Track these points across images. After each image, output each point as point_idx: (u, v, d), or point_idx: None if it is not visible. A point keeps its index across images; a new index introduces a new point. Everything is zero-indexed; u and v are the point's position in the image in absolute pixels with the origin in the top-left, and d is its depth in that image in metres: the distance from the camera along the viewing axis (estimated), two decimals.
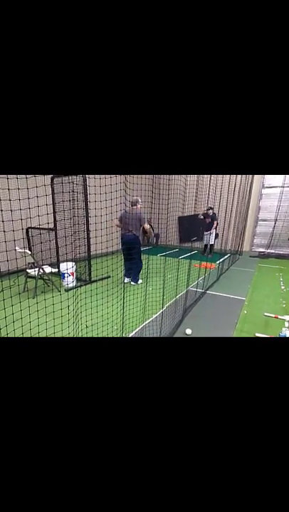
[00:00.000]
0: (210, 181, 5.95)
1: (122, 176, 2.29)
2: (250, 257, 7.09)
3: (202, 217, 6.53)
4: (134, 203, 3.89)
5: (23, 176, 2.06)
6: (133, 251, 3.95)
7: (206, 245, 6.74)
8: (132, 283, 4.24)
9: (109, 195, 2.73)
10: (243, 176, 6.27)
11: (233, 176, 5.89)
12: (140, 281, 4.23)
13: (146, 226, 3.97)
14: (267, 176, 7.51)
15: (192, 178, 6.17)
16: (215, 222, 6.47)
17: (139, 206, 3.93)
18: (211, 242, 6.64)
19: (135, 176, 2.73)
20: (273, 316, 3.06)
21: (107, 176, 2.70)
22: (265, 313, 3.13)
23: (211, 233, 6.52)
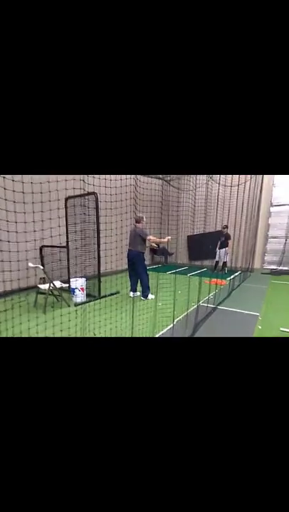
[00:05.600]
0: (218, 198, 6.05)
1: (132, 199, 2.40)
2: (262, 274, 6.91)
3: (224, 230, 6.51)
4: (137, 220, 4.02)
5: (39, 201, 2.22)
6: (135, 265, 4.05)
7: (216, 262, 6.68)
8: (142, 298, 4.21)
9: (119, 217, 2.84)
10: (251, 193, 6.35)
11: (241, 192, 5.99)
12: (151, 296, 4.18)
13: (151, 238, 4.02)
14: (274, 195, 7.57)
15: (201, 195, 6.31)
16: (229, 241, 6.46)
17: (141, 224, 4.05)
18: (224, 260, 6.59)
19: (144, 198, 2.84)
20: None
21: (118, 199, 2.82)
22: (282, 329, 2.98)
23: (227, 253, 6.48)
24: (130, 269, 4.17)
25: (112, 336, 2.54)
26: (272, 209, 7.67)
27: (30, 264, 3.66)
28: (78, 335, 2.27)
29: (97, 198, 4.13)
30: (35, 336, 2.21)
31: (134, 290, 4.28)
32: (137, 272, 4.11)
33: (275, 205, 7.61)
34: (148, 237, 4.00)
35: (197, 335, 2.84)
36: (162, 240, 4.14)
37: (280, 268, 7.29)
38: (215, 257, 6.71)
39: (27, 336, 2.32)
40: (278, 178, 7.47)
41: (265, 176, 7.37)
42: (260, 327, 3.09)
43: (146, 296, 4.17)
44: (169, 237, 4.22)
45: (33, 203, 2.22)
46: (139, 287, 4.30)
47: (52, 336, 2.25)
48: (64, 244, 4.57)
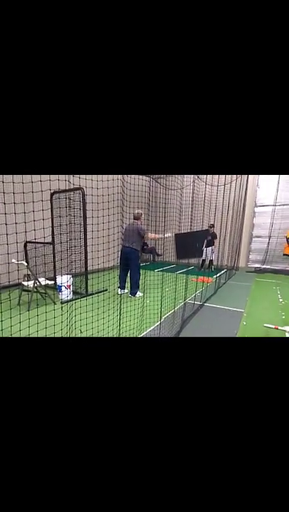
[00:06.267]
0: (204, 197, 6.13)
1: (119, 193, 2.37)
2: (247, 272, 7.11)
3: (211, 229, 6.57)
4: (136, 217, 3.99)
5: (20, 192, 2.13)
6: (129, 262, 4.00)
7: (203, 260, 6.79)
8: (129, 295, 4.17)
9: (106, 211, 2.80)
10: (236, 193, 6.50)
11: (227, 193, 6.10)
12: (139, 294, 4.17)
13: (150, 235, 4.01)
14: (258, 196, 7.79)
15: (188, 194, 6.37)
16: (216, 240, 6.57)
17: (140, 221, 4.02)
18: (211, 258, 6.72)
19: (132, 194, 2.82)
20: (273, 327, 2.99)
21: (104, 193, 2.79)
22: (265, 325, 3.07)
23: (213, 251, 6.60)
24: (123, 266, 4.12)
25: (99, 333, 2.50)
26: (256, 209, 7.89)
27: (14, 261, 3.52)
28: (63, 333, 2.20)
29: (83, 193, 4.03)
30: (18, 334, 2.12)
31: (122, 287, 4.24)
32: (130, 269, 4.07)
33: (259, 206, 7.84)
34: (147, 234, 3.97)
35: (184, 331, 2.86)
36: (163, 236, 4.06)
37: (264, 266, 7.52)
38: (202, 256, 6.82)
39: (9, 334, 2.23)
40: (262, 180, 7.69)
41: (250, 178, 7.57)
42: (244, 323, 3.16)
43: (134, 294, 4.14)
44: (170, 234, 3.94)
45: (13, 193, 2.12)
46: (127, 285, 4.27)
47: (35, 334, 2.17)
48: (48, 238, 4.43)
